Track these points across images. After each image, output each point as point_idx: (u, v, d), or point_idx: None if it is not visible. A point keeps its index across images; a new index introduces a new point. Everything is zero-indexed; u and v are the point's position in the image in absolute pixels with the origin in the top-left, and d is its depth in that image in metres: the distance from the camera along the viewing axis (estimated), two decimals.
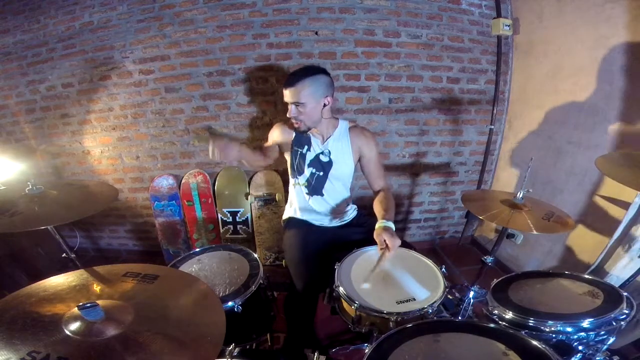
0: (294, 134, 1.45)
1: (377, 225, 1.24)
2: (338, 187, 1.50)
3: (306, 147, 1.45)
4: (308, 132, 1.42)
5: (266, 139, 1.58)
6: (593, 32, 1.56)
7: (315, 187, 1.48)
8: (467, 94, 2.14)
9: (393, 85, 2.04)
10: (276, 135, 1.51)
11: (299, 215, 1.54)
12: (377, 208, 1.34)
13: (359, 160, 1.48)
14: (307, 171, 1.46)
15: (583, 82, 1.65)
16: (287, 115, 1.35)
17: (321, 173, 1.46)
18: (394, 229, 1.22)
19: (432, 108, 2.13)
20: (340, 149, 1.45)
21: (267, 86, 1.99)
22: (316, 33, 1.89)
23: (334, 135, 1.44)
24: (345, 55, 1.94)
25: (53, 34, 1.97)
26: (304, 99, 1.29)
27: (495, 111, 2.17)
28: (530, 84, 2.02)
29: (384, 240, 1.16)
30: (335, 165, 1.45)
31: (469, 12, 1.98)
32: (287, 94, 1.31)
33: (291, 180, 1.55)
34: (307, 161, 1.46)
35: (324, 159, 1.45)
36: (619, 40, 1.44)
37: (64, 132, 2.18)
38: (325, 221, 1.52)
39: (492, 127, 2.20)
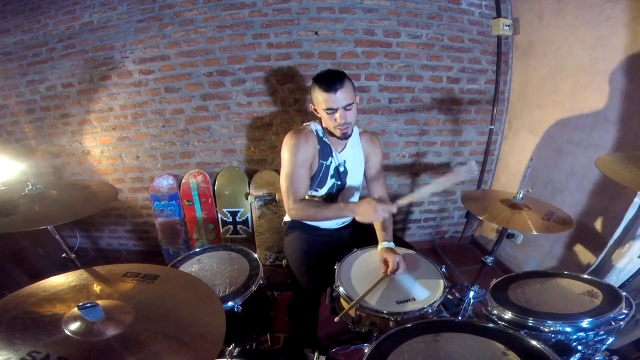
0: (318, 146, 1.32)
1: (379, 247, 1.23)
2: (352, 194, 1.46)
3: (330, 158, 1.35)
4: (328, 141, 1.34)
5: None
6: (593, 32, 1.55)
7: (332, 198, 1.42)
8: (467, 94, 2.14)
9: (393, 85, 2.04)
10: (311, 151, 1.30)
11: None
12: (377, 226, 1.31)
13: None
14: (329, 183, 1.38)
15: (583, 82, 1.65)
16: (335, 123, 1.21)
17: (339, 183, 1.40)
18: (394, 247, 1.23)
19: (432, 108, 2.13)
20: (353, 156, 1.40)
21: (267, 86, 1.99)
22: (316, 33, 1.89)
23: (349, 142, 1.38)
24: (345, 55, 1.94)
25: (53, 34, 1.97)
26: (352, 98, 1.19)
27: (495, 111, 2.17)
28: (530, 84, 2.02)
29: (386, 262, 1.15)
30: (350, 173, 1.41)
31: (469, 12, 1.98)
32: (339, 98, 1.16)
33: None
34: (330, 173, 1.37)
35: (341, 168, 1.39)
36: (619, 40, 1.44)
37: (64, 132, 2.18)
38: (330, 225, 1.49)
39: (492, 127, 2.20)
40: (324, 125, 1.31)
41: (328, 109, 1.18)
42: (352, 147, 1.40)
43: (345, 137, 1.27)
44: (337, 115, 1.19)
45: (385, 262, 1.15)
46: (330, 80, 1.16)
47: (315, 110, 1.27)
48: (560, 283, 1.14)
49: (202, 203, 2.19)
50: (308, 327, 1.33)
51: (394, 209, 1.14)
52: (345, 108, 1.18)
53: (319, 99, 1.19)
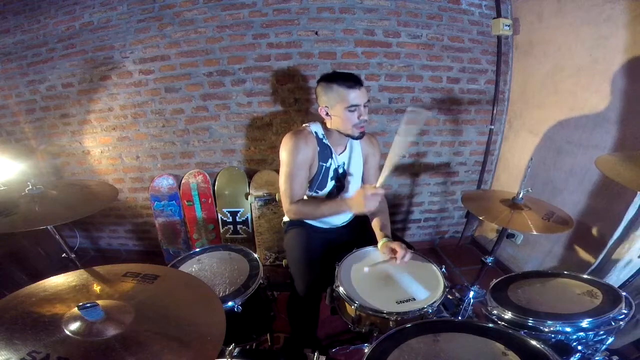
0: (317, 148, 1.32)
1: (380, 243, 1.25)
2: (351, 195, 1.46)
3: (330, 160, 1.35)
4: (329, 143, 1.34)
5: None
6: (593, 32, 1.56)
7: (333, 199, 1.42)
8: (467, 94, 2.14)
9: (393, 85, 2.04)
10: (310, 153, 1.29)
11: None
12: (375, 224, 1.33)
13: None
14: (329, 185, 1.38)
15: (583, 82, 1.65)
16: (356, 121, 1.21)
17: (339, 184, 1.41)
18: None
19: (432, 108, 2.13)
20: (353, 158, 1.40)
21: (267, 86, 1.99)
22: (316, 33, 1.89)
23: (350, 144, 1.38)
24: (345, 55, 1.94)
25: (53, 34, 1.97)
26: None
27: (495, 111, 2.17)
28: (530, 84, 2.02)
29: (392, 249, 1.17)
30: (349, 175, 1.41)
31: (469, 12, 1.98)
32: (361, 94, 1.18)
33: (307, 193, 1.40)
34: (330, 175, 1.37)
35: (340, 170, 1.39)
36: (619, 40, 1.44)
37: (64, 132, 2.18)
38: (330, 224, 1.49)
39: (492, 127, 2.20)
40: (331, 127, 1.30)
41: (353, 105, 1.18)
42: (353, 148, 1.40)
43: (363, 135, 1.27)
44: (362, 111, 1.20)
45: (393, 250, 1.17)
46: (351, 77, 1.18)
47: (327, 113, 1.26)
48: (560, 283, 1.14)
49: (202, 203, 2.19)
50: (308, 327, 1.33)
51: (380, 190, 1.14)
52: (364, 105, 1.21)
53: (342, 97, 1.19)
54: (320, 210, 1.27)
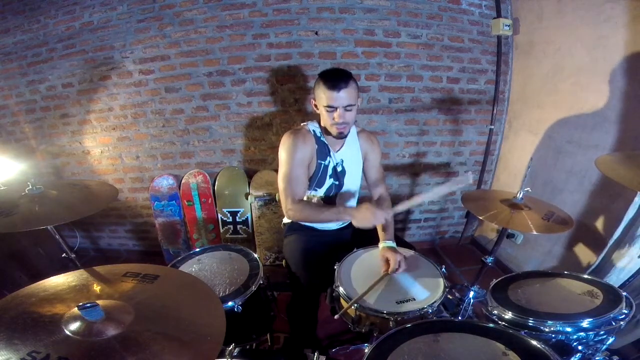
0: (316, 146, 1.33)
1: (380, 246, 1.23)
2: (351, 193, 1.46)
3: (328, 158, 1.36)
4: (326, 141, 1.34)
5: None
6: (593, 32, 1.56)
7: (330, 198, 1.42)
8: (467, 94, 2.14)
9: (393, 85, 2.04)
10: (308, 151, 1.30)
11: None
12: (378, 225, 1.29)
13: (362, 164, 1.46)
14: (328, 183, 1.39)
15: (583, 82, 1.65)
16: (332, 121, 1.22)
17: (337, 182, 1.41)
18: (395, 246, 1.23)
19: (432, 108, 2.13)
20: (351, 155, 1.40)
21: (267, 86, 1.99)
22: (316, 33, 1.89)
23: (347, 141, 1.38)
24: (345, 55, 1.94)
25: (53, 34, 1.97)
26: (354, 100, 1.20)
27: (495, 111, 2.17)
28: (530, 84, 2.02)
29: (387, 261, 1.15)
30: (348, 173, 1.41)
31: (469, 12, 1.98)
32: (341, 97, 1.17)
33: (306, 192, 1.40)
34: (329, 173, 1.37)
35: (339, 168, 1.39)
36: (619, 40, 1.44)
37: (64, 132, 2.18)
38: (330, 225, 1.48)
39: (492, 127, 2.20)
40: (322, 124, 1.32)
41: (328, 106, 1.19)
42: (350, 146, 1.40)
43: (341, 136, 1.28)
44: (335, 114, 1.20)
45: (387, 260, 1.16)
46: (336, 78, 1.18)
47: (316, 106, 1.28)
48: (561, 283, 1.14)
49: (202, 203, 2.18)
50: (308, 327, 1.33)
51: (389, 216, 1.15)
52: (345, 108, 1.19)
53: (321, 95, 1.20)
54: (322, 215, 1.26)
